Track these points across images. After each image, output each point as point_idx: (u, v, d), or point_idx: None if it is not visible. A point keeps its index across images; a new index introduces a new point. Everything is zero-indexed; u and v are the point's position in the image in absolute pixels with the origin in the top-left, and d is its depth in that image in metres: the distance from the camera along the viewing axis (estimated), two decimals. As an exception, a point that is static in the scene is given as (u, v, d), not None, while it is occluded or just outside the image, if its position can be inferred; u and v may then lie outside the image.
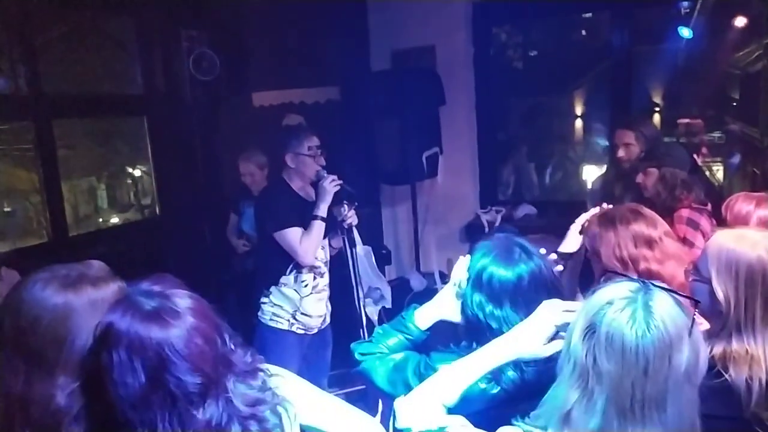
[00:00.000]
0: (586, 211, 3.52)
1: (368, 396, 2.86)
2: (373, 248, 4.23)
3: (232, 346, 1.20)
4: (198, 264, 3.81)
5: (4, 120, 3.45)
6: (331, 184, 2.87)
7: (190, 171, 3.93)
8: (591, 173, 4.70)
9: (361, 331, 3.00)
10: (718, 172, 4.67)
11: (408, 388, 1.47)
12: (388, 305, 3.38)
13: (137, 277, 1.25)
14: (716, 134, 4.83)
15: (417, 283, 4.10)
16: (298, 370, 2.95)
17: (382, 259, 4.38)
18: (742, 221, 2.03)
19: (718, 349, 1.45)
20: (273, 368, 1.30)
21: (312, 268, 2.99)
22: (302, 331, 3.05)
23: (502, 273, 1.54)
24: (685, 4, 4.31)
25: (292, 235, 2.86)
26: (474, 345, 1.52)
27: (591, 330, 1.08)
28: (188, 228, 3.90)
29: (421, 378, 1.51)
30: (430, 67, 4.11)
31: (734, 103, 4.81)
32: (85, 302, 1.22)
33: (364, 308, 3.06)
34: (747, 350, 1.45)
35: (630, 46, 4.24)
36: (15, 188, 3.80)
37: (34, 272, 1.26)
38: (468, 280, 1.58)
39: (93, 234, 4.05)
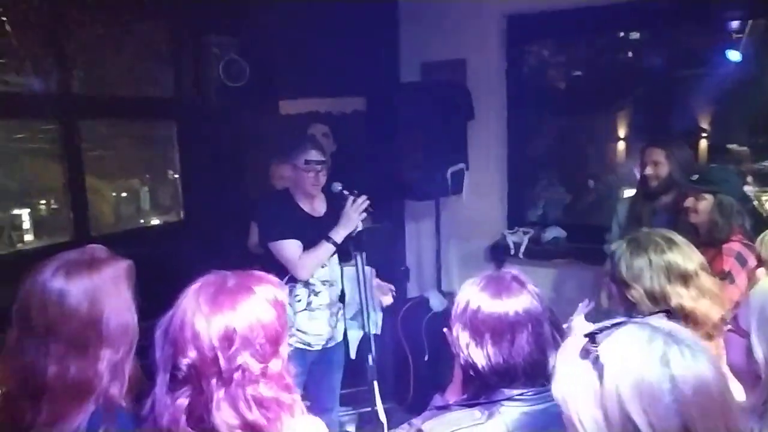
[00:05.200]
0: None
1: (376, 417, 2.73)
2: (393, 266, 4.13)
3: None
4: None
5: (36, 120, 3.51)
6: (357, 212, 2.71)
7: (216, 177, 3.91)
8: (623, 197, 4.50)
9: (370, 355, 2.77)
10: (767, 203, 4.42)
11: None
12: (377, 331, 3.20)
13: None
14: (766, 163, 4.58)
15: (437, 302, 3.95)
16: (304, 385, 2.85)
17: (402, 276, 4.28)
18: None
19: None
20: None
21: (306, 284, 2.86)
22: (303, 346, 2.90)
23: (488, 304, 1.38)
24: (735, 26, 4.13)
25: (288, 247, 2.76)
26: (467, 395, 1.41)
27: None
28: (211, 234, 3.88)
29: None
30: (460, 81, 4.01)
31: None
32: (108, 282, 1.38)
33: (368, 325, 2.84)
34: None
35: (675, 69, 4.09)
36: (45, 187, 3.86)
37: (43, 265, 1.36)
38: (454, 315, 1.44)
39: (115, 236, 4.06)
